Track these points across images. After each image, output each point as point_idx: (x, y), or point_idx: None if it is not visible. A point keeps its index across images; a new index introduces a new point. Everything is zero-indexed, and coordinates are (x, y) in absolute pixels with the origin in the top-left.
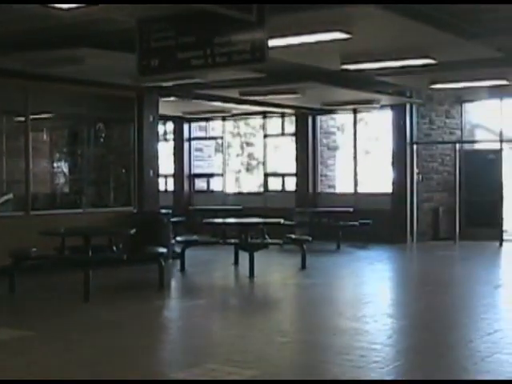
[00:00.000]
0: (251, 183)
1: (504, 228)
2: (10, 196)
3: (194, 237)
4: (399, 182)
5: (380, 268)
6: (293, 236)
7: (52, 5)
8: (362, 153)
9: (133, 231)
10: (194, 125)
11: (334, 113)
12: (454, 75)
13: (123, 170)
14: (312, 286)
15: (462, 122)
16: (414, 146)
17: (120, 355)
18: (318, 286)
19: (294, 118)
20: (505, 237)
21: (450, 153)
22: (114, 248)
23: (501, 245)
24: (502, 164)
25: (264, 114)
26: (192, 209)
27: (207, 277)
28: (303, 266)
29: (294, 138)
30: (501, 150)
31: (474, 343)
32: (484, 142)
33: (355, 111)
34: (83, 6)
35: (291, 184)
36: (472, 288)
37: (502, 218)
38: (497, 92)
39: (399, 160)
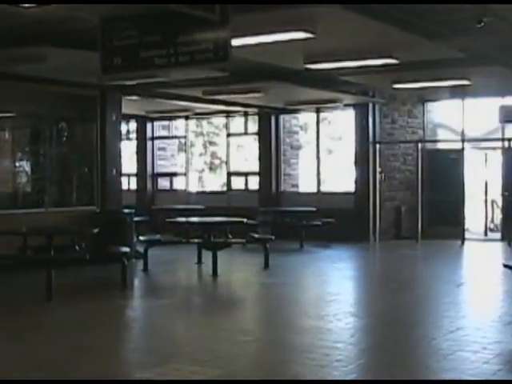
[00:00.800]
0: (214, 182)
1: (466, 227)
2: None
3: (157, 236)
4: (362, 182)
5: (343, 267)
6: (256, 235)
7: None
8: (325, 152)
9: (96, 231)
10: (157, 124)
11: (297, 112)
12: (417, 75)
13: (86, 169)
14: (275, 285)
15: (424, 121)
16: (377, 146)
17: (82, 355)
18: (281, 285)
19: (257, 118)
20: (466, 235)
21: (412, 152)
22: (77, 247)
23: (462, 243)
24: (464, 163)
25: (227, 114)
26: (155, 208)
27: (170, 276)
28: (266, 265)
29: (257, 137)
30: (462, 149)
31: (437, 341)
32: (446, 141)
33: (318, 110)
34: (44, 5)
35: (254, 183)
36: (434, 286)
37: (463, 217)
38: (459, 92)
39: (362, 159)
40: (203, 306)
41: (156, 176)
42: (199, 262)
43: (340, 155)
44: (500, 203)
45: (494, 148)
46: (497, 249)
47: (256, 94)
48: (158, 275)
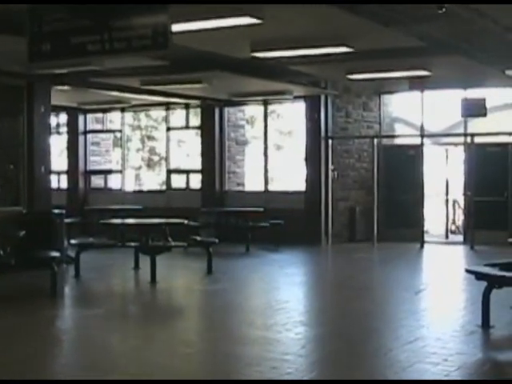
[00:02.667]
0: (153, 181)
1: (425, 229)
2: None
3: (90, 239)
4: (313, 180)
5: (293, 272)
6: (198, 238)
7: None
8: (274, 148)
9: (22, 233)
10: (89, 116)
11: (243, 104)
12: (373, 65)
13: (11, 166)
14: (219, 292)
15: (380, 115)
16: (329, 141)
17: (5, 372)
18: (226, 292)
19: (199, 110)
20: (426, 238)
21: (367, 148)
22: (1, 252)
23: (422, 246)
24: (423, 160)
25: (167, 106)
26: (88, 209)
27: (105, 283)
28: (209, 271)
29: (199, 132)
30: (421, 145)
31: (394, 352)
32: (404, 136)
33: (266, 103)
34: None
35: (196, 182)
36: (391, 293)
37: (423, 219)
38: (418, 83)
39: (313, 156)
40: (140, 315)
41: (89, 174)
42: (136, 267)
43: (289, 151)
44: (462, 204)
45: (455, 144)
46: (459, 252)
47: (198, 85)
48: (90, 282)
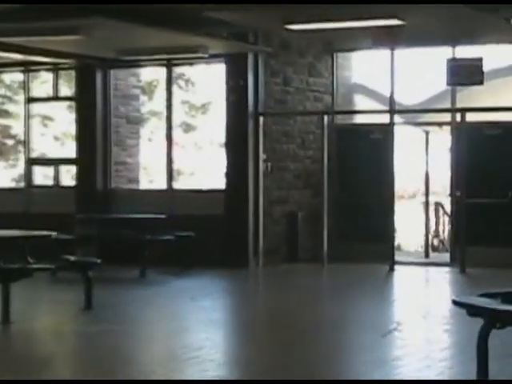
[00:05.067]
0: (5, 174)
1: (396, 244)
2: None
3: None
4: (237, 174)
5: (208, 306)
6: (72, 258)
7: None
8: (181, 129)
9: None
10: None
11: (138, 66)
12: (322, 11)
13: None
14: (102, 335)
15: (333, 82)
16: (260, 119)
17: None
18: (112, 335)
19: (73, 74)
20: (398, 257)
21: (314, 129)
22: None
23: (392, 269)
24: (394, 147)
25: (26, 67)
26: None
27: None
28: (88, 305)
29: (73, 105)
30: (392, 124)
31: None
32: (366, 113)
33: (170, 64)
34: None
35: (69, 176)
36: (349, 336)
37: (393, 229)
38: (386, 38)
39: (237, 140)
40: None
41: None
42: None
43: (204, 134)
44: (449, 208)
45: (439, 124)
46: (444, 277)
47: (72, 37)
48: None
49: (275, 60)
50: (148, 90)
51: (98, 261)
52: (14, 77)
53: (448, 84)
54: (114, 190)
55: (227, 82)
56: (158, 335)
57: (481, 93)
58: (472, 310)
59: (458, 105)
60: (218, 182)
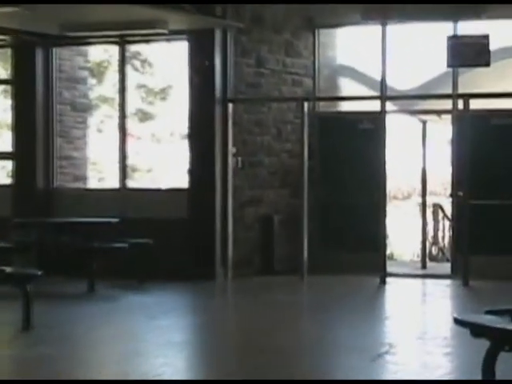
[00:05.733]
0: None
1: (389, 252)
2: None
3: None
4: (202, 171)
5: (167, 326)
6: (8, 269)
7: None
8: (137, 117)
9: None
10: None
11: (85, 44)
12: None
13: None
14: (42, 360)
15: (315, 63)
16: (230, 106)
17: None
18: (54, 360)
19: (9, 53)
20: (390, 268)
21: (292, 119)
22: None
23: (383, 282)
24: (386, 139)
25: None
26: None
27: None
28: (27, 325)
29: (8, 89)
30: (383, 113)
31: None
32: (354, 99)
33: (124, 41)
34: None
35: (4, 173)
36: (334, 360)
37: (385, 235)
38: (376, 12)
39: (202, 131)
40: None
41: None
42: None
43: (163, 123)
44: (449, 211)
45: (438, 112)
46: (443, 291)
47: (7, 9)
48: None
49: (247, 37)
50: (97, 71)
51: (39, 272)
52: None
53: (449, 66)
54: (58, 190)
55: (191, 63)
56: (108, 360)
57: (487, 76)
58: (476, 330)
59: (461, 90)
60: (180, 180)
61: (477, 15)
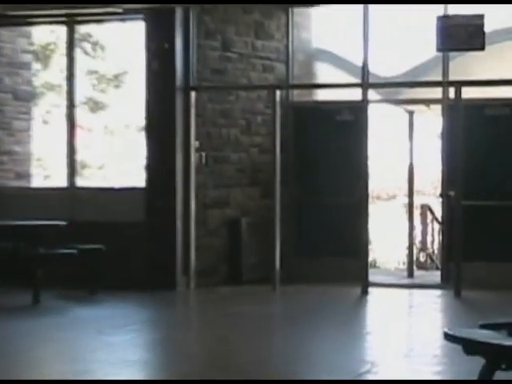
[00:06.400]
0: None
1: (371, 259)
2: None
3: None
4: (161, 168)
5: (121, 342)
6: None
7: None
8: (87, 107)
9: None
10: None
11: (28, 24)
12: None
13: None
14: None
15: (288, 46)
16: (192, 95)
17: None
18: None
19: None
20: (373, 276)
21: (263, 109)
22: None
23: (365, 292)
24: (368, 132)
25: None
26: None
27: None
28: None
29: None
30: (365, 102)
31: None
32: (332, 87)
33: (72, 21)
34: None
35: None
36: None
37: (367, 240)
38: None
39: (161, 123)
40: None
41: None
42: None
43: (117, 114)
44: (439, 212)
45: (426, 102)
46: (433, 303)
47: None
48: None
49: (211, 17)
50: (43, 55)
51: None
52: None
53: (439, 50)
54: None
55: (148, 46)
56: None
57: (481, 61)
58: (470, 347)
59: (452, 77)
60: (136, 178)
61: None
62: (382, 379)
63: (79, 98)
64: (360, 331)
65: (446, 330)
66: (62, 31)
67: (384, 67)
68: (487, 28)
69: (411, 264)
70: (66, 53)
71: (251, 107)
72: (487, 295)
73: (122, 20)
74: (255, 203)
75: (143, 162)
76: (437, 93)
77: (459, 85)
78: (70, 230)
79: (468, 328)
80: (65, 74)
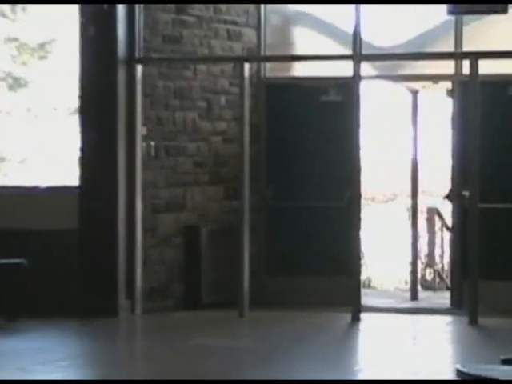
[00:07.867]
0: None
1: (364, 277)
2: None
3: None
4: (99, 161)
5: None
6: None
7: None
8: (5, 84)
9: None
10: None
11: None
12: None
13: None
14: None
15: (259, 8)
16: (138, 69)
17: None
18: None
19: None
20: (367, 299)
21: (228, 87)
22: None
23: (356, 319)
24: (360, 115)
25: None
26: None
27: None
28: None
29: None
30: (357, 78)
31: None
32: (316, 59)
33: None
34: None
35: None
36: None
37: (359, 254)
38: None
39: (99, 104)
40: None
41: None
42: None
43: (43, 94)
44: (450, 218)
45: (433, 78)
46: (442, 332)
47: None
48: None
49: None
50: None
51: None
52: None
53: (450, 13)
54: None
55: (82, 8)
56: None
57: (503, 28)
58: None
59: (466, 47)
60: (68, 174)
61: None
62: (380, 379)
63: (3, 76)
64: (349, 369)
65: (458, 366)
66: None
67: (381, 35)
68: None
69: (415, 283)
70: None
71: (213, 85)
72: (510, 323)
73: None
74: (217, 206)
75: (76, 154)
76: (447, 67)
77: (475, 57)
78: None
79: (486, 364)
80: None
